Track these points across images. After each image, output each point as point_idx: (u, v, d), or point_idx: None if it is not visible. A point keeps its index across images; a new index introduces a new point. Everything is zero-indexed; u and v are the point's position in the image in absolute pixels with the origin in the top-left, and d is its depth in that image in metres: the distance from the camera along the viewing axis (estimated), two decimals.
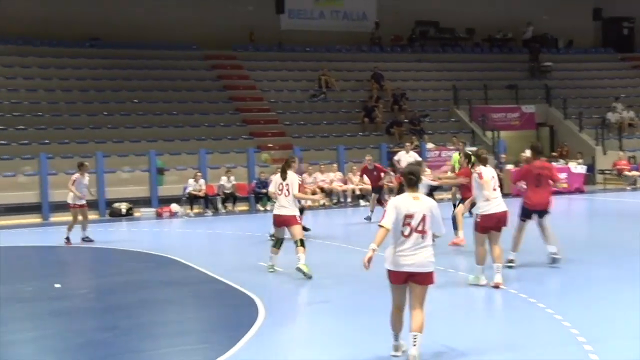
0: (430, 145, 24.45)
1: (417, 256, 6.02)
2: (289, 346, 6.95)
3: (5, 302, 9.08)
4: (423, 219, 6.06)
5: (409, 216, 6.02)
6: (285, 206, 10.35)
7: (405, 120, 27.07)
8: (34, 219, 20.01)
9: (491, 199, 9.15)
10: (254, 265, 11.26)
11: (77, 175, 14.98)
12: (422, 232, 6.06)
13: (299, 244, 10.22)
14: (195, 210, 20.90)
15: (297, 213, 10.55)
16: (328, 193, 22.30)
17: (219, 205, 21.40)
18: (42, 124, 23.76)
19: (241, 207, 21.68)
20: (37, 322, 8.03)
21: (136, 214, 20.67)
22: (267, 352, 6.66)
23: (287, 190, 10.40)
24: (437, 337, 6.55)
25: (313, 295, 9.36)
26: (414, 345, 5.91)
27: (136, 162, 22.55)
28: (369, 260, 5.98)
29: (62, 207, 19.15)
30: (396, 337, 6.22)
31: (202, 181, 21.04)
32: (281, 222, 10.42)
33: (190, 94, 26.85)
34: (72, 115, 24.44)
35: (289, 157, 11.40)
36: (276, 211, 10.50)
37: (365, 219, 16.78)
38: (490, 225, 9.15)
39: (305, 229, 12.98)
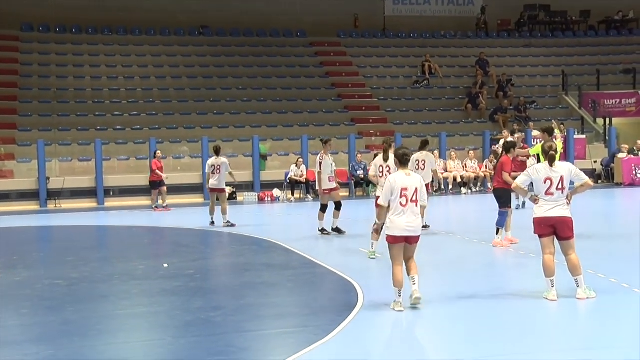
0: (535, 133, 23.75)
1: (416, 222, 7.42)
2: (388, 333, 6.99)
3: (122, 278, 9.66)
4: (415, 191, 7.40)
5: (404, 189, 7.36)
6: None
7: (511, 107, 26.43)
8: (144, 201, 20.89)
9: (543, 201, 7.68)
10: (354, 250, 11.37)
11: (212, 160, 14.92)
12: (415, 202, 7.42)
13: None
14: (296, 196, 21.25)
15: None
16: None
17: None
18: (154, 110, 24.78)
19: (342, 192, 21.82)
20: (148, 299, 8.45)
21: (239, 198, 21.25)
22: (365, 338, 6.73)
23: (389, 172, 10.35)
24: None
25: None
26: (414, 284, 7.41)
27: (240, 147, 23.16)
28: None
29: (170, 190, 19.98)
30: (400, 293, 7.35)
31: (303, 167, 21.35)
32: None
33: (293, 80, 27.24)
34: (181, 102, 25.37)
35: (388, 137, 11.35)
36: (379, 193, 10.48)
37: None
38: (544, 232, 7.69)
39: (339, 231, 13.04)
